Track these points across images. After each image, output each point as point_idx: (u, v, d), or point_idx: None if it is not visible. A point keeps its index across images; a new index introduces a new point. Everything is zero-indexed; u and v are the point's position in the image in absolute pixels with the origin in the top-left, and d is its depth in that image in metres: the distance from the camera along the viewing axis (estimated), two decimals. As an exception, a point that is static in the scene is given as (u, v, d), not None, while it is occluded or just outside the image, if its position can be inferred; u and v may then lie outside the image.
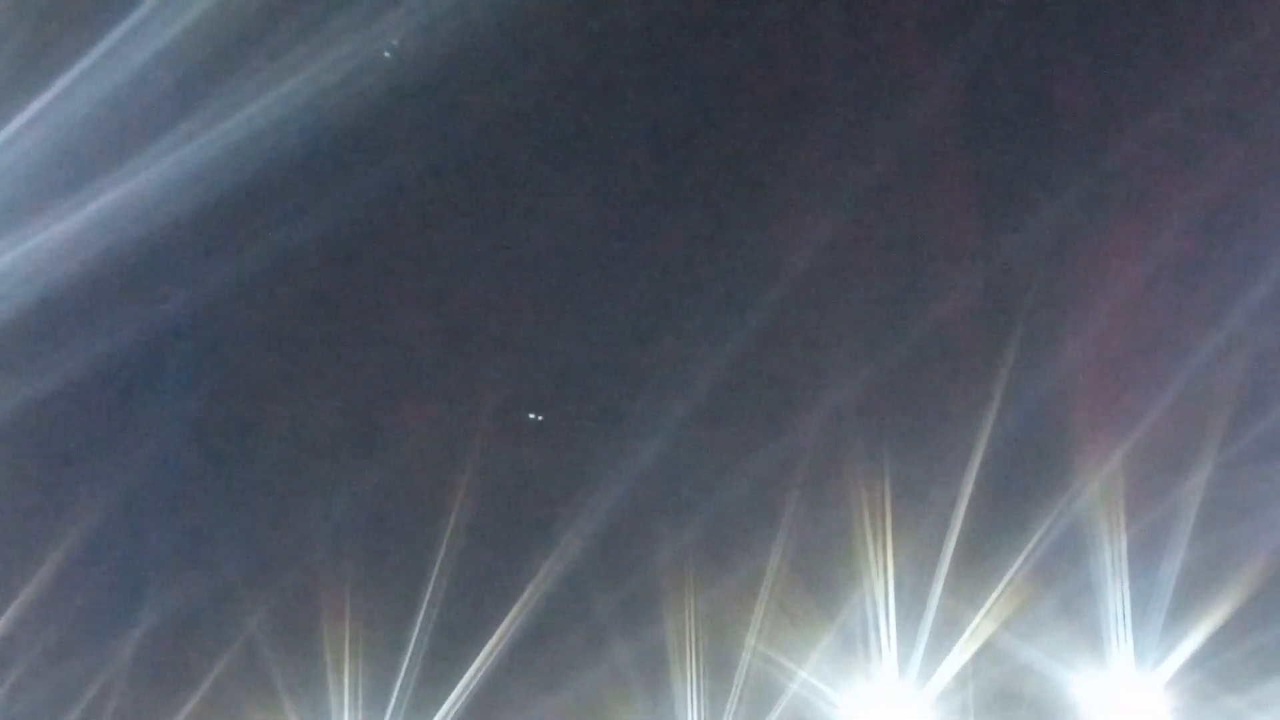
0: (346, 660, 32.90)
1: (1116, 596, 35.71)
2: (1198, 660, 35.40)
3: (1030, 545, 35.15)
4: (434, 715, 33.06)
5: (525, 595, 33.44)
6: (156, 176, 26.94)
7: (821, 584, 35.51)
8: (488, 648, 33.36)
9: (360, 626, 33.18)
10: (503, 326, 34.10)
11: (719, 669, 35.15)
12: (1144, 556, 35.52)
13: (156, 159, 26.58)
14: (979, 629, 35.20)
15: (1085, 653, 35.81)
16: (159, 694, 32.59)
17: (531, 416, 35.65)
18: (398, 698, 32.86)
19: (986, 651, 35.42)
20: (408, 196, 32.44)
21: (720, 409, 35.12)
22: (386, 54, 29.03)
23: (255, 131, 26.71)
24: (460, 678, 33.23)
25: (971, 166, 34.45)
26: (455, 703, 33.13)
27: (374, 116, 29.66)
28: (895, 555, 35.41)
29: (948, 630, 35.32)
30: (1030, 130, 34.93)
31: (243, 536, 32.93)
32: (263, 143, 26.94)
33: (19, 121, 25.25)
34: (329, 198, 30.41)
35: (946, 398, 35.89)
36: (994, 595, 35.17)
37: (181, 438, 32.77)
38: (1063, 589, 35.94)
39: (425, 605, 33.05)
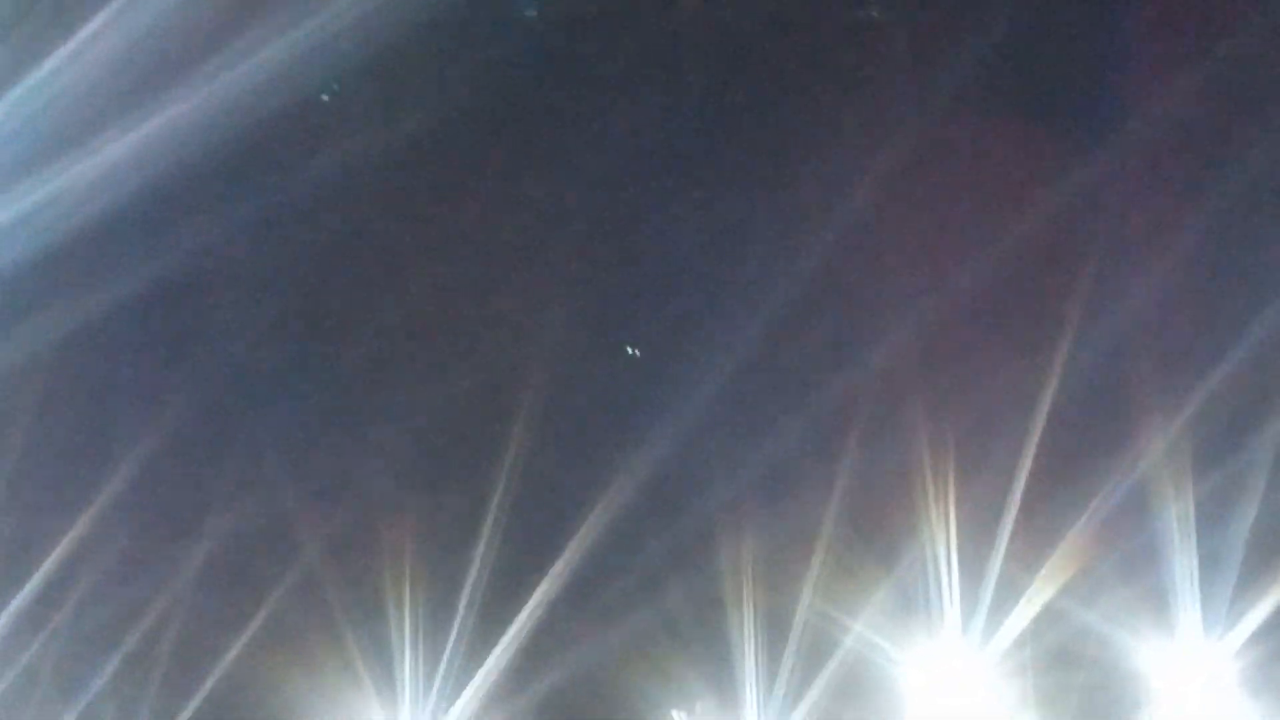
0: (407, 595, 33.01)
1: (1183, 559, 35.14)
2: (1266, 628, 34.84)
3: (1094, 504, 34.68)
4: (490, 652, 33.05)
5: (579, 537, 33.37)
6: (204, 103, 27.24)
7: (880, 538, 35.19)
8: (541, 589, 33.33)
9: (418, 561, 33.27)
10: (562, 262, 34.08)
11: (775, 619, 34.89)
12: (1211, 517, 34.98)
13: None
14: (1041, 588, 34.71)
15: (1149, 616, 35.32)
16: (215, 627, 32.80)
17: (630, 350, 35.84)
18: (457, 634, 32.91)
19: (1048, 612, 34.94)
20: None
21: (777, 357, 35.00)
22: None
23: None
24: (515, 618, 33.21)
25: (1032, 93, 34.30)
26: (511, 643, 33.14)
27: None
28: (956, 511, 35.03)
29: (1009, 588, 34.87)
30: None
31: (297, 469, 33.05)
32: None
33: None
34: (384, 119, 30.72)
35: (1010, 351, 35.49)
36: (1057, 554, 34.69)
37: (235, 367, 32.95)
38: (1127, 550, 35.46)
39: (483, 541, 33.10)
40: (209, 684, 32.42)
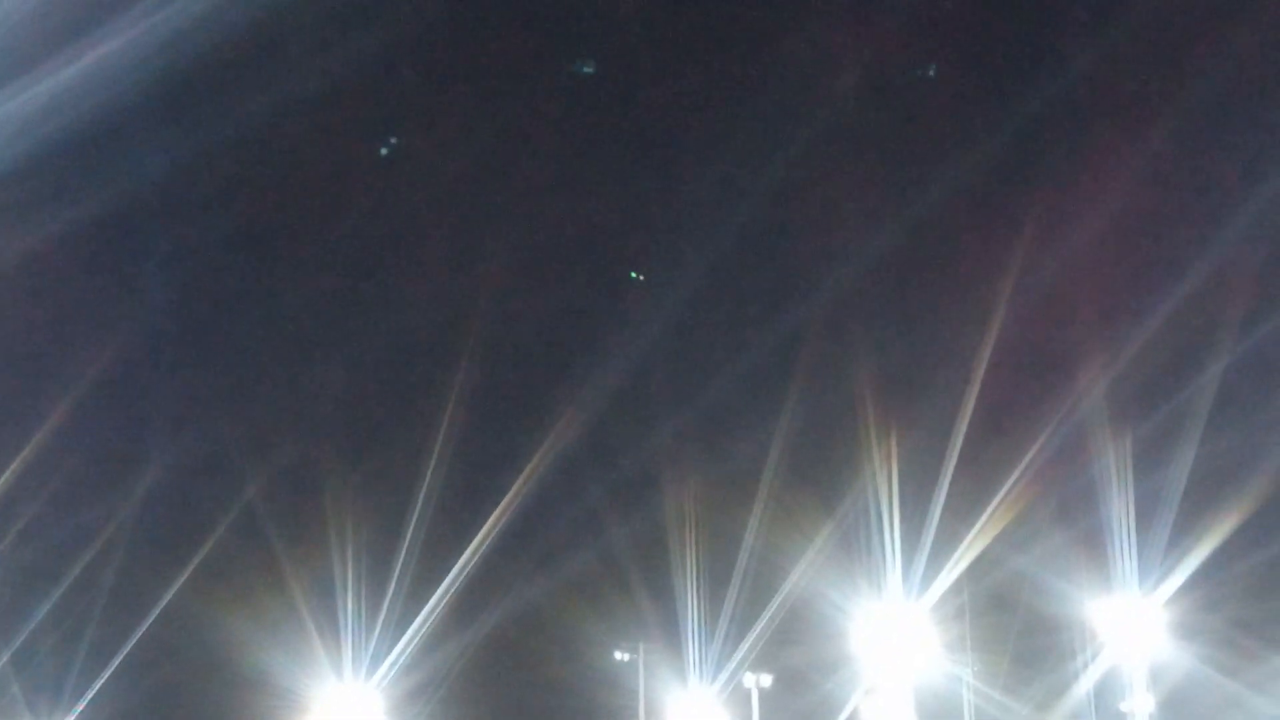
0: (349, 535, 32.94)
1: (1118, 507, 35.79)
2: (1192, 578, 35.53)
3: (1031, 453, 35.16)
4: (433, 593, 33.05)
5: (522, 480, 33.45)
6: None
7: (821, 483, 35.58)
8: (484, 531, 33.38)
9: (360, 501, 33.23)
10: (503, 207, 34.12)
11: (717, 563, 35.16)
12: (1146, 466, 35.62)
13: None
14: (979, 535, 35.19)
15: (1084, 562, 35.94)
16: (159, 557, 32.61)
17: (634, 275, 36.03)
18: (399, 574, 32.89)
19: (985, 558, 35.44)
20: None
21: (720, 308, 35.39)
22: None
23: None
24: (458, 558, 33.24)
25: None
26: (453, 583, 33.17)
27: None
28: (897, 458, 35.48)
29: (948, 535, 35.33)
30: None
31: (242, 402, 32.95)
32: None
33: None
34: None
35: (949, 306, 35.98)
36: (995, 502, 35.15)
37: (179, 302, 32.76)
38: (1062, 497, 36.07)
39: (427, 482, 33.10)
40: (148, 623, 32.17)
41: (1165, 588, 35.76)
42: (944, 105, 35.99)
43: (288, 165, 32.49)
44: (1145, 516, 35.69)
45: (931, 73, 35.14)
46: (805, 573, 35.03)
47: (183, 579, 32.16)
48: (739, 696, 35.37)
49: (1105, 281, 35.78)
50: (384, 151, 33.35)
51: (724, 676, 34.95)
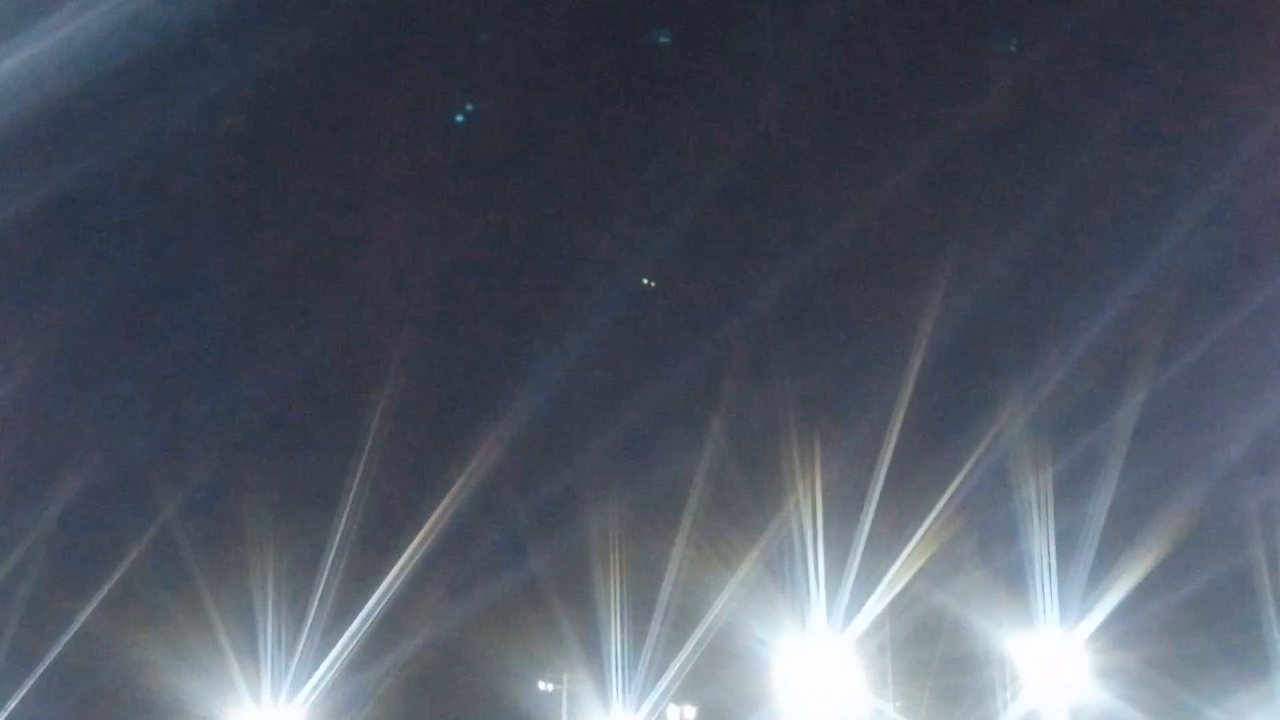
0: (269, 562, 32.26)
1: (1038, 541, 36.10)
2: (1112, 615, 35.90)
3: (952, 488, 35.41)
4: (352, 622, 32.44)
5: (443, 510, 33.05)
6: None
7: (745, 517, 35.50)
8: (404, 560, 32.88)
9: (279, 528, 32.58)
10: (422, 225, 33.87)
11: (641, 594, 34.93)
12: (1066, 501, 36.01)
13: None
14: (902, 569, 35.32)
15: (1004, 596, 36.17)
16: (71, 574, 31.66)
17: (645, 281, 35.76)
18: (319, 603, 32.25)
19: (907, 592, 35.57)
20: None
21: (644, 335, 35.31)
22: None
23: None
24: (378, 588, 32.70)
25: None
26: (373, 612, 32.59)
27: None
28: (821, 492, 35.57)
29: (871, 569, 35.40)
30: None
31: (156, 417, 32.22)
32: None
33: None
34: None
35: (872, 341, 36.25)
36: (917, 537, 35.32)
37: (99, 306, 31.93)
38: (983, 533, 36.32)
39: (347, 511, 32.55)
40: (56, 648, 31.18)
41: (1085, 625, 36.18)
42: (859, 127, 36.32)
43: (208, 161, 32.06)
44: (1066, 553, 36.07)
45: (848, 86, 35.40)
46: (730, 604, 34.91)
47: (92, 602, 31.22)
48: (663, 729, 35.16)
49: (1026, 317, 36.37)
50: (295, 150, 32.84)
51: (648, 708, 34.60)
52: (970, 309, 35.48)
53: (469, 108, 35.14)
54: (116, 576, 31.31)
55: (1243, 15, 34.41)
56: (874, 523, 35.16)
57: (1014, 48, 36.33)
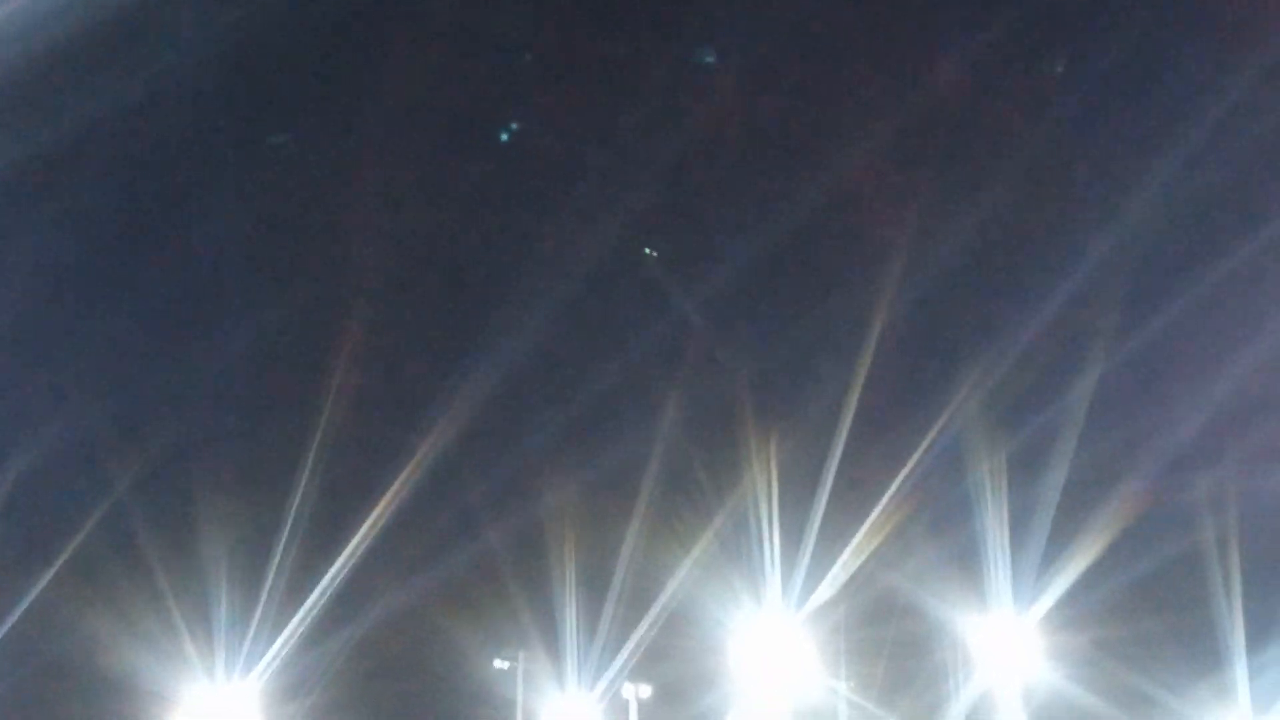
0: (222, 539, 32.03)
1: (992, 523, 36.43)
2: (1064, 597, 36.27)
3: (907, 469, 35.62)
4: (306, 598, 32.30)
5: (399, 485, 32.96)
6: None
7: (702, 494, 35.59)
8: (360, 536, 32.77)
9: (234, 504, 32.33)
10: (371, 210, 33.80)
11: (597, 572, 34.97)
12: (1020, 483, 36.35)
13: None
14: (856, 550, 35.52)
15: (957, 578, 36.44)
16: (21, 551, 31.37)
17: (647, 251, 35.77)
18: (273, 579, 32.08)
19: (861, 573, 35.79)
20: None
21: (598, 305, 35.33)
22: None
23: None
24: (333, 564, 32.56)
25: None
26: (328, 589, 32.47)
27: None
28: (777, 473, 35.72)
29: (825, 551, 35.60)
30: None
31: (106, 392, 31.93)
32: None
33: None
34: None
35: (828, 326, 36.40)
36: (871, 518, 35.51)
37: (54, 283, 31.63)
38: (937, 514, 36.57)
39: (301, 487, 32.38)
40: (9, 623, 30.90)
41: (1037, 607, 36.52)
42: (810, 117, 36.44)
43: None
44: (1019, 536, 36.40)
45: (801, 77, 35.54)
46: (685, 584, 35.02)
47: (43, 579, 30.95)
48: (617, 707, 35.17)
49: (979, 297, 36.64)
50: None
51: (603, 686, 34.69)
52: (924, 293, 35.70)
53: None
54: (68, 553, 31.02)
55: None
56: (829, 503, 35.35)
57: (957, 39, 36.35)
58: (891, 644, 36.28)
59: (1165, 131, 34.39)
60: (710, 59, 35.82)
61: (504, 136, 35.66)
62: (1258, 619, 37.07)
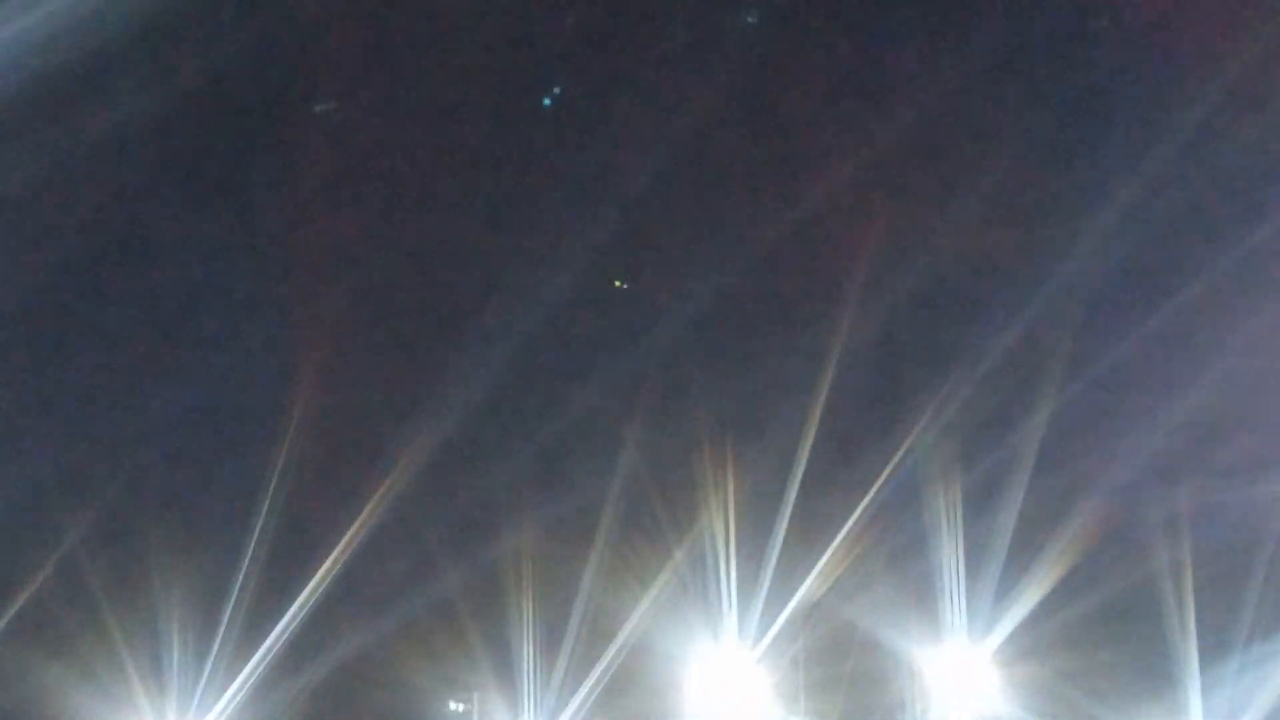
0: (176, 581, 31.81)
1: (947, 556, 36.53)
2: (1020, 627, 36.40)
3: (864, 503, 35.71)
4: (262, 641, 32.11)
5: (356, 527, 32.83)
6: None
7: (658, 532, 35.58)
8: (317, 579, 32.62)
9: (187, 548, 32.14)
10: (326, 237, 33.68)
11: (553, 611, 34.89)
12: (976, 516, 36.46)
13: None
14: (814, 585, 35.58)
15: (913, 611, 36.52)
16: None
17: (617, 284, 35.58)
18: (228, 621, 31.86)
19: (819, 608, 35.85)
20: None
21: (555, 341, 35.29)
22: None
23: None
24: (289, 607, 32.40)
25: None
26: (284, 631, 32.27)
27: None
28: (734, 507, 35.74)
29: (783, 585, 35.63)
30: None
31: (61, 432, 31.75)
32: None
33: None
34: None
35: (785, 358, 36.47)
36: (829, 553, 35.57)
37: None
38: (894, 548, 36.63)
39: (257, 528, 32.23)
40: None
41: (993, 637, 36.64)
42: (773, 139, 36.55)
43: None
44: (974, 567, 36.53)
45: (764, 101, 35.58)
46: (642, 621, 34.97)
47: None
48: (575, 747, 35.10)
49: (936, 332, 36.75)
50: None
51: (559, 726, 34.65)
52: (881, 324, 35.85)
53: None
54: (19, 601, 30.76)
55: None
56: (786, 538, 35.41)
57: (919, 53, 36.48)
58: (849, 677, 36.30)
59: (1119, 158, 34.85)
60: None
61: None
62: (1210, 643, 37.32)
